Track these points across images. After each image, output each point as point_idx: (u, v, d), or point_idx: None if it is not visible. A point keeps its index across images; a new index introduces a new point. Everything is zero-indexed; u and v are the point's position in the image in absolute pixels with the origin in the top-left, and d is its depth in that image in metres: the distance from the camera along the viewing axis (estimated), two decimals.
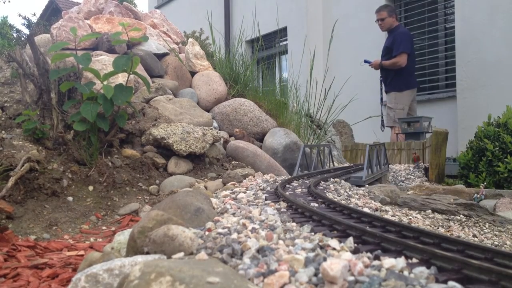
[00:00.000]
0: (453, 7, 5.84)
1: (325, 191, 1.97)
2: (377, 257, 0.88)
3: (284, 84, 4.99)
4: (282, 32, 8.01)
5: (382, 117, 5.79)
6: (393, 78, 5.52)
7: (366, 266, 0.82)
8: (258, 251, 0.94)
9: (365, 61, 5.73)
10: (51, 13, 10.82)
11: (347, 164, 4.14)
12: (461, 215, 2.19)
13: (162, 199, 1.93)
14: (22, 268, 1.40)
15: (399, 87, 5.47)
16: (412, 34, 6.49)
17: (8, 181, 1.94)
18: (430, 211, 2.20)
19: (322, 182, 2.23)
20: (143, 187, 2.40)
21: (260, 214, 1.32)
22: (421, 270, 0.79)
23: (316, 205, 1.55)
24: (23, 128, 2.36)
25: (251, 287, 0.75)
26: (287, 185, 2.07)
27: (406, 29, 5.70)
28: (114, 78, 2.85)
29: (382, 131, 5.81)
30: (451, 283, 0.73)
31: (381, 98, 5.88)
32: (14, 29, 8.10)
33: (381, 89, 5.81)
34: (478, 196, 2.87)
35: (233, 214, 1.41)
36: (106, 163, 2.40)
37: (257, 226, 1.16)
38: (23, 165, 2.02)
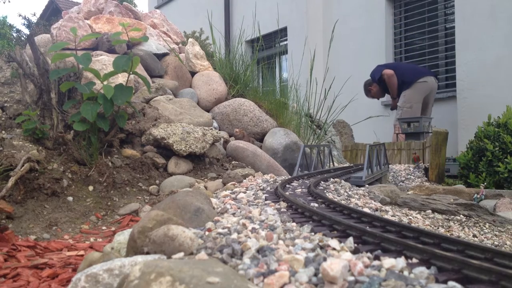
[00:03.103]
0: (453, 7, 5.84)
1: (325, 191, 1.97)
2: (377, 257, 0.88)
3: (284, 84, 5.00)
4: (282, 32, 8.01)
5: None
6: (401, 89, 5.66)
7: (366, 266, 0.82)
8: (258, 251, 0.94)
9: (392, 109, 5.82)
10: (51, 13, 10.82)
11: (347, 164, 4.14)
12: (461, 215, 2.19)
13: (162, 199, 1.93)
14: (22, 268, 1.40)
15: (407, 86, 5.56)
16: (411, 34, 6.51)
17: (8, 181, 1.94)
18: (430, 211, 2.20)
19: (322, 182, 2.23)
20: (143, 187, 2.40)
21: (260, 214, 1.32)
22: (421, 270, 0.79)
23: (316, 205, 1.55)
24: (23, 128, 2.36)
25: (251, 287, 0.75)
26: (287, 185, 2.07)
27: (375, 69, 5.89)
28: (114, 78, 2.85)
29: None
30: (451, 283, 0.73)
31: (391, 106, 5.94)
32: (14, 29, 8.10)
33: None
34: (478, 196, 2.87)
35: (233, 214, 1.41)
36: (106, 163, 2.40)
37: (257, 226, 1.16)
38: (23, 165, 2.02)
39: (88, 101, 2.36)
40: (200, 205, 1.34)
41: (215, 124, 3.42)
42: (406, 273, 0.79)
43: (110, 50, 3.59)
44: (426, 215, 2.14)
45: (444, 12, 6.14)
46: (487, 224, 2.14)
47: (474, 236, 1.93)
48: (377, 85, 5.83)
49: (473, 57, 5.48)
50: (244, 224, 1.17)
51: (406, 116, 5.41)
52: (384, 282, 0.73)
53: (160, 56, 3.86)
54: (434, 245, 0.99)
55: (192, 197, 1.40)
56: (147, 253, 1.00)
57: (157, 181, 2.47)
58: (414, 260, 0.87)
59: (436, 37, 6.21)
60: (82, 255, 1.55)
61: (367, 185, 2.52)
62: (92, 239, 1.81)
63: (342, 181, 2.34)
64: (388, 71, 5.61)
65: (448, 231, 1.92)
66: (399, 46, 6.73)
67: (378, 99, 5.97)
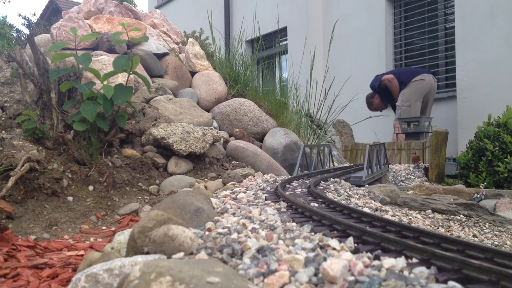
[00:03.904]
0: (453, 7, 5.84)
1: (325, 191, 1.97)
2: (377, 257, 0.88)
3: (284, 84, 4.99)
4: (282, 32, 8.01)
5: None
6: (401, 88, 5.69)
7: (366, 266, 0.82)
8: (258, 251, 0.94)
9: (400, 134, 5.68)
10: (51, 13, 10.81)
11: (347, 164, 4.14)
12: (461, 215, 2.19)
13: (162, 199, 1.93)
14: (22, 268, 1.40)
15: (405, 85, 5.58)
16: (411, 34, 6.48)
17: (8, 181, 1.94)
18: (430, 211, 2.20)
19: (322, 182, 2.23)
20: (143, 187, 2.40)
21: (260, 214, 1.32)
22: (421, 270, 0.79)
23: (316, 205, 1.55)
24: (23, 128, 2.36)
25: (251, 287, 0.75)
26: (287, 185, 2.07)
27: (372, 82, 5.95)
28: (114, 78, 2.85)
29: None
30: (451, 283, 0.73)
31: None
32: (14, 29, 8.09)
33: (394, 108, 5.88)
34: (478, 196, 2.87)
35: (233, 214, 1.41)
36: (106, 163, 2.40)
37: (257, 226, 1.16)
38: (23, 165, 2.02)
39: (88, 101, 2.36)
40: (200, 205, 1.34)
41: (215, 124, 3.42)
42: (406, 273, 0.79)
43: (110, 50, 3.59)
44: (426, 215, 2.14)
45: (444, 12, 6.14)
46: (487, 224, 2.14)
47: (474, 236, 1.93)
48: (378, 97, 5.88)
49: (473, 57, 5.48)
50: (244, 224, 1.17)
51: (405, 115, 5.42)
52: (384, 282, 0.73)
53: (160, 56, 3.86)
54: (434, 245, 0.99)
55: (192, 197, 1.40)
56: (147, 253, 1.00)
57: (157, 181, 2.47)
58: (414, 260, 0.87)
59: (436, 37, 6.21)
60: (82, 255, 1.54)
61: (367, 185, 2.52)
62: (92, 239, 1.81)
63: (342, 181, 2.34)
64: (387, 76, 5.69)
65: (448, 231, 1.92)
66: (399, 46, 6.73)
67: (381, 111, 5.98)
